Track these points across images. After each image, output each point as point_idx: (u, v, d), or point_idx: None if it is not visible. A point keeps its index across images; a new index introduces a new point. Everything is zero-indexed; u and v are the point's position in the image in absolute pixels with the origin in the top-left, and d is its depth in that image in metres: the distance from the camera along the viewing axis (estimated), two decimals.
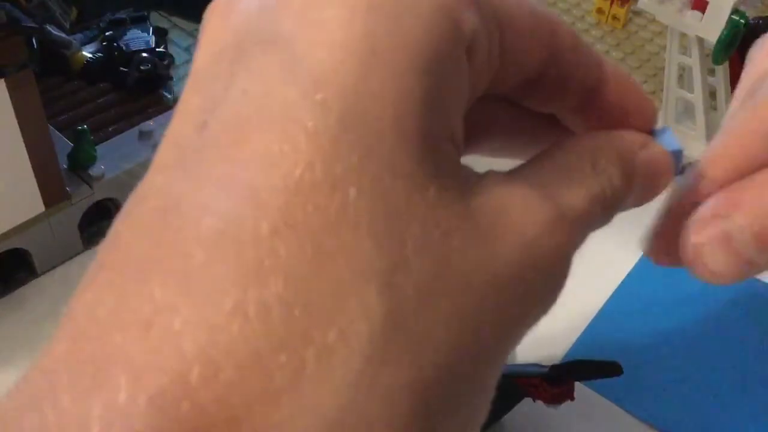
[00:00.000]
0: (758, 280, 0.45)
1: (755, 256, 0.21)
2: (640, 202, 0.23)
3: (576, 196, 0.19)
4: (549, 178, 0.20)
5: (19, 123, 0.37)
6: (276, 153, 0.15)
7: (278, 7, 0.16)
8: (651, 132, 0.22)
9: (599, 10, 0.62)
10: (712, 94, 0.51)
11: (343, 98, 0.15)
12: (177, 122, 0.17)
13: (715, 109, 0.51)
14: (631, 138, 0.22)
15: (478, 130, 0.21)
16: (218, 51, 0.17)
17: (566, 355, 0.40)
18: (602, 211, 0.20)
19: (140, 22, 0.54)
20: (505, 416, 0.36)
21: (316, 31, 0.16)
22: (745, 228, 0.21)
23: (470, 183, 0.18)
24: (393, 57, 0.16)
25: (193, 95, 0.17)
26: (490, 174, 0.19)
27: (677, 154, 0.22)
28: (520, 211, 0.18)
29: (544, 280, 0.18)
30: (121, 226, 0.16)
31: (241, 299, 0.14)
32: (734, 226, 0.21)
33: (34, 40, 0.49)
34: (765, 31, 0.54)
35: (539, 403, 0.36)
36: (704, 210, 0.22)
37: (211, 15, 0.18)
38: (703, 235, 0.21)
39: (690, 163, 0.23)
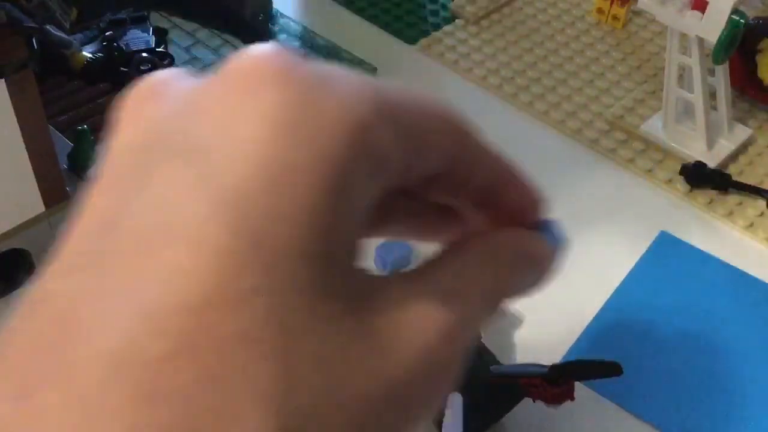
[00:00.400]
0: (759, 280, 0.45)
1: None
2: (525, 292, 0.23)
3: (473, 297, 0.20)
4: (447, 281, 0.20)
5: (19, 123, 0.37)
6: (180, 269, 0.15)
7: (196, 112, 0.17)
8: (540, 223, 0.24)
9: (599, 10, 0.62)
10: (712, 94, 0.51)
11: (251, 218, 0.15)
12: (83, 220, 0.16)
13: (715, 109, 0.51)
14: (523, 237, 0.23)
15: (380, 217, 0.21)
16: (131, 149, 0.17)
17: (566, 355, 0.40)
18: (495, 307, 0.21)
19: (140, 22, 0.54)
20: (505, 416, 0.36)
21: (232, 146, 0.16)
22: None
23: (370, 291, 0.18)
24: (303, 179, 0.16)
25: (102, 193, 0.17)
26: (389, 280, 0.19)
27: (562, 244, 0.24)
28: (418, 321, 0.18)
29: (440, 382, 0.19)
30: (18, 324, 0.15)
31: (132, 426, 0.14)
32: None
33: (34, 40, 0.49)
34: (765, 32, 0.55)
35: (539, 403, 0.36)
36: None
37: (125, 108, 0.18)
38: None
39: None
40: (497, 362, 0.37)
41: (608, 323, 0.42)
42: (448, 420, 0.33)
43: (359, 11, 0.62)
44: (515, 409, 0.36)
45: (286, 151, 0.16)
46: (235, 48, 0.56)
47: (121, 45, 0.51)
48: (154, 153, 0.16)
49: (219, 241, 0.15)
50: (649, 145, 0.52)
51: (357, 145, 0.17)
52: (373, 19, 0.61)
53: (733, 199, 0.49)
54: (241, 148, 0.16)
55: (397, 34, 0.60)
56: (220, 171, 0.16)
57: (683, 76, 0.50)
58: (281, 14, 0.60)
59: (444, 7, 0.62)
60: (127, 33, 0.52)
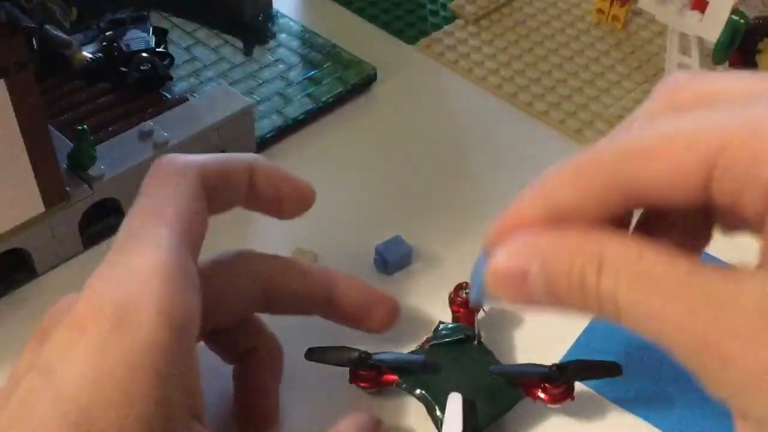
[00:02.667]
0: None
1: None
2: None
3: None
4: None
5: (19, 123, 0.37)
6: None
7: (50, 340, 0.25)
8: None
9: (599, 10, 0.62)
10: None
11: (80, 410, 0.23)
12: None
13: None
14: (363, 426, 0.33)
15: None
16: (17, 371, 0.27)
17: (566, 355, 0.40)
18: None
19: (140, 22, 0.54)
20: (505, 416, 0.36)
21: (69, 364, 0.24)
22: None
23: None
24: (120, 378, 0.24)
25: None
26: None
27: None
28: None
29: None
30: None
31: None
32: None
33: (34, 40, 0.49)
34: (765, 32, 0.55)
35: (539, 402, 0.36)
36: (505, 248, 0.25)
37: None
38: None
39: None
40: (497, 362, 0.37)
41: (608, 323, 0.42)
42: (448, 420, 0.33)
43: (359, 11, 0.62)
44: (515, 408, 0.36)
45: (106, 361, 0.24)
46: (235, 48, 0.56)
47: (121, 45, 0.51)
48: (25, 370, 0.25)
49: (56, 427, 0.23)
50: None
51: (167, 331, 0.25)
52: (373, 19, 0.61)
53: None
54: (73, 365, 0.24)
55: (397, 34, 0.60)
56: (60, 381, 0.24)
57: None
58: (281, 14, 0.60)
59: (444, 7, 0.63)
60: (127, 33, 0.52)
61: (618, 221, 0.25)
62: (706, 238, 0.26)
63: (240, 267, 0.33)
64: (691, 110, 0.22)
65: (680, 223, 0.25)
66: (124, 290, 0.25)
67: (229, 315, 0.32)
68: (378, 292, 0.36)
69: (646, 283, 0.23)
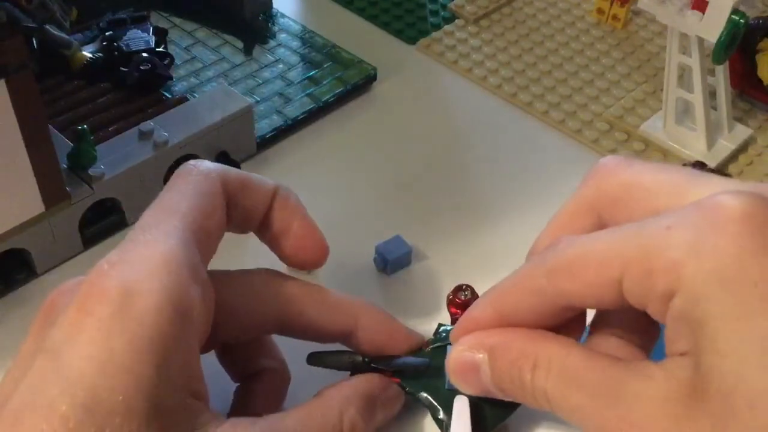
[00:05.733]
0: None
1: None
2: (379, 423, 0.32)
3: None
4: (297, 427, 0.28)
5: (19, 123, 0.37)
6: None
7: (56, 322, 0.25)
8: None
9: (599, 10, 0.62)
10: (712, 94, 0.51)
11: (87, 392, 0.23)
12: None
13: (715, 109, 0.51)
14: (373, 383, 0.33)
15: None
16: (24, 353, 0.28)
17: None
18: None
19: (140, 22, 0.54)
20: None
21: (75, 347, 0.24)
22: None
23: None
24: (126, 360, 0.24)
25: (5, 378, 0.27)
26: (233, 421, 0.27)
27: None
28: None
29: None
30: None
31: None
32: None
33: (34, 40, 0.49)
34: (765, 32, 0.54)
35: None
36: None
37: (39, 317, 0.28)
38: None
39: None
40: None
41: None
42: (455, 422, 0.33)
43: (359, 11, 0.62)
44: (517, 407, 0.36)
45: (112, 344, 0.24)
46: (235, 48, 0.56)
47: (121, 45, 0.51)
48: (35, 350, 0.26)
49: (64, 410, 0.23)
50: (649, 145, 0.52)
51: (171, 315, 0.25)
52: (373, 18, 0.61)
53: None
54: (80, 347, 0.24)
55: (397, 33, 0.60)
56: (67, 364, 0.24)
57: (683, 76, 0.50)
58: (281, 14, 0.60)
59: (444, 7, 0.63)
60: (127, 33, 0.52)
61: (572, 320, 0.29)
62: (655, 327, 0.29)
63: (259, 286, 0.32)
64: (610, 210, 0.28)
65: (627, 317, 0.29)
66: (130, 275, 0.25)
67: (242, 331, 0.32)
68: (403, 329, 0.35)
69: (571, 381, 0.26)
